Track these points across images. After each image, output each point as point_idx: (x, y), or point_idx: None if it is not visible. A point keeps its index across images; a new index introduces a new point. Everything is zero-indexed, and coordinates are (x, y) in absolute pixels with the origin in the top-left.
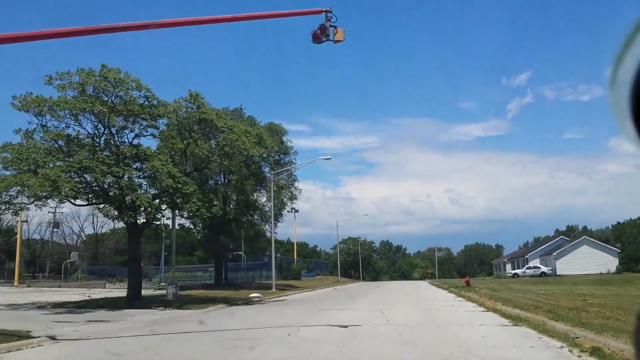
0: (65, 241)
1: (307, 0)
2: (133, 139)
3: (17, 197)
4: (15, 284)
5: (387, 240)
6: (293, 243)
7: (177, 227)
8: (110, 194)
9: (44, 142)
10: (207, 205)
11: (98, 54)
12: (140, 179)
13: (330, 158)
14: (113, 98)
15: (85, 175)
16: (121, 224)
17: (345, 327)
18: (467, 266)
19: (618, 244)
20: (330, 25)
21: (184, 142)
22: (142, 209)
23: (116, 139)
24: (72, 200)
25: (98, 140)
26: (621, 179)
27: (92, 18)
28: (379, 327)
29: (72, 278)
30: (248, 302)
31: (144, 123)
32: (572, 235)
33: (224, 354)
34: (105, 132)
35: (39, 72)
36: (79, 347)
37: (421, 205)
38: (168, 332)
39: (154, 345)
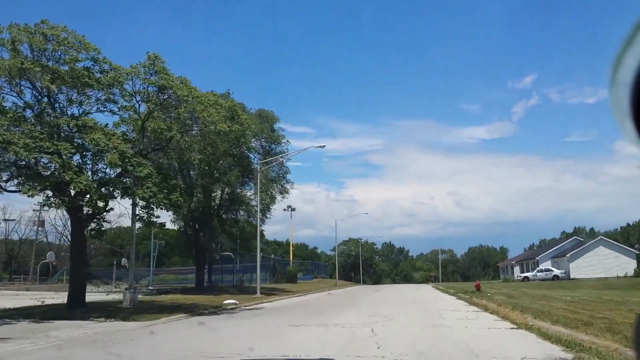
0: (47, 240)
1: None
2: (84, 114)
3: None
4: None
5: (390, 242)
6: (292, 244)
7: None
8: (44, 175)
9: None
10: (166, 192)
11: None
12: (82, 157)
13: (324, 146)
14: (55, 62)
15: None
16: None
17: None
18: (470, 269)
19: (636, 245)
20: None
21: (140, 114)
22: (86, 195)
23: (58, 112)
24: None
25: (33, 111)
26: (626, 181)
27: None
28: None
29: (52, 280)
30: (217, 310)
31: (101, 96)
32: (579, 236)
33: None
34: (44, 103)
35: None
36: None
37: (424, 207)
38: None
39: None
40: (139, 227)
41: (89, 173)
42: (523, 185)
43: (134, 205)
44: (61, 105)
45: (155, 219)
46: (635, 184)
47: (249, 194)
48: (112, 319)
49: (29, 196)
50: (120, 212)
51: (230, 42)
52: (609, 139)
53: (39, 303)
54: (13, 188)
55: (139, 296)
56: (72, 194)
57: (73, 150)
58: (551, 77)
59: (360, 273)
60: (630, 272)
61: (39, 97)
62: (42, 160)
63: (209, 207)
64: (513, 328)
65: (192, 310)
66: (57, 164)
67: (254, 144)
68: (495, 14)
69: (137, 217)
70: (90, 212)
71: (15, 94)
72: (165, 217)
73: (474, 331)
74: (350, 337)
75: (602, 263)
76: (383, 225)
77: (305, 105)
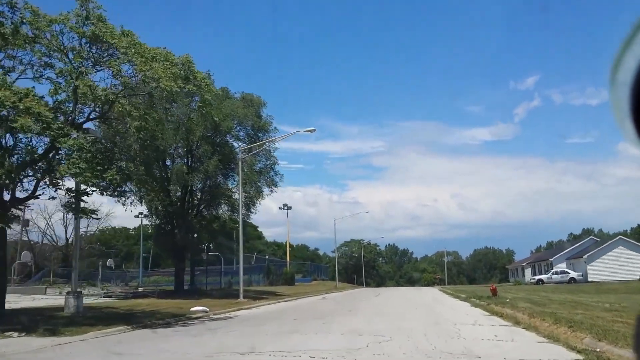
0: (29, 239)
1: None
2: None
3: None
4: None
5: (393, 244)
6: (293, 245)
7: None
8: None
9: None
10: (99, 170)
11: None
12: None
13: (314, 130)
14: None
15: None
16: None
17: None
18: (476, 271)
19: None
20: None
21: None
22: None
23: None
24: None
25: None
26: (630, 182)
27: None
28: None
29: (31, 281)
30: (174, 320)
31: (34, 60)
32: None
33: None
34: None
35: None
36: None
37: (428, 209)
38: None
39: None
40: (133, 228)
41: None
42: (526, 187)
43: (77, 192)
44: None
45: (86, 204)
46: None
47: (231, 186)
48: (28, 333)
49: None
50: (109, 210)
51: (230, 42)
52: (613, 140)
53: None
54: None
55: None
56: None
57: None
58: (553, 78)
59: (362, 275)
60: None
61: None
62: None
63: (185, 201)
64: None
65: (143, 320)
66: None
67: (237, 131)
68: (497, 14)
69: (67, 203)
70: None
71: None
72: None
73: None
74: None
75: (622, 264)
76: (386, 227)
77: (307, 107)
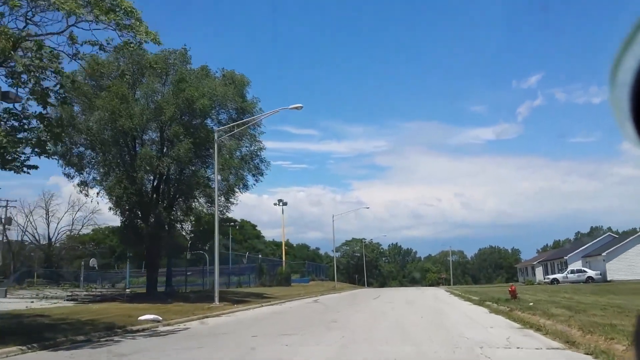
0: (7, 238)
1: None
2: None
3: None
4: None
5: (396, 243)
6: (292, 244)
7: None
8: None
9: None
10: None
11: None
12: None
13: (301, 107)
14: None
15: None
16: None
17: None
18: (481, 271)
19: None
20: None
21: None
22: None
23: None
24: None
25: None
26: (635, 181)
27: None
28: None
29: (7, 282)
30: (107, 335)
31: None
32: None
33: None
34: None
35: None
36: None
37: (431, 209)
38: None
39: None
40: None
41: None
42: (529, 187)
43: None
44: None
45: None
46: None
47: (210, 174)
48: None
49: None
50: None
51: (231, 42)
52: (617, 139)
53: None
54: None
55: (68, 304)
56: None
57: None
58: (556, 77)
59: (364, 275)
60: None
61: None
62: None
63: (158, 191)
64: None
65: (58, 335)
66: None
67: (217, 113)
68: (498, 13)
69: None
70: None
71: None
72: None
73: None
74: None
75: None
76: (389, 227)
77: (309, 107)
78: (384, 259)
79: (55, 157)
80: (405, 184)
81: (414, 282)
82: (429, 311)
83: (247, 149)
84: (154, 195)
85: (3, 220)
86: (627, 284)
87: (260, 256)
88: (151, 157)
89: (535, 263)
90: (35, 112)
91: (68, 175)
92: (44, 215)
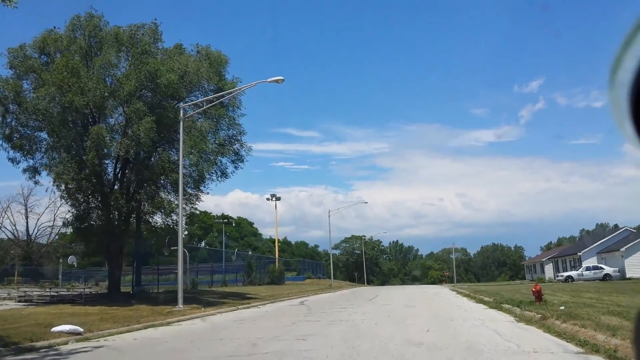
0: None
1: None
2: None
3: None
4: None
5: (397, 241)
6: (291, 241)
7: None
8: None
9: None
10: None
11: None
12: None
13: (282, 80)
14: None
15: None
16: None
17: None
18: (484, 268)
19: None
20: None
21: None
22: None
23: None
24: None
25: None
26: (635, 182)
27: None
28: None
29: None
30: None
31: None
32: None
33: None
34: None
35: None
36: None
37: (433, 209)
38: None
39: None
40: None
41: None
42: (531, 188)
43: None
44: None
45: None
46: None
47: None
48: None
49: None
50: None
51: (231, 43)
52: (618, 141)
53: None
54: None
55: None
56: None
57: None
58: (558, 80)
59: (364, 273)
60: None
61: None
62: None
63: (117, 178)
64: None
65: None
66: None
67: (189, 93)
68: (499, 16)
69: None
70: None
71: None
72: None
73: None
74: None
75: None
76: (391, 226)
77: (311, 109)
78: (384, 256)
79: None
80: (407, 185)
81: (415, 280)
82: (436, 320)
83: (225, 133)
84: (117, 184)
85: None
86: None
87: (250, 253)
88: (103, 137)
89: (544, 260)
90: None
91: (13, 160)
92: (23, 211)
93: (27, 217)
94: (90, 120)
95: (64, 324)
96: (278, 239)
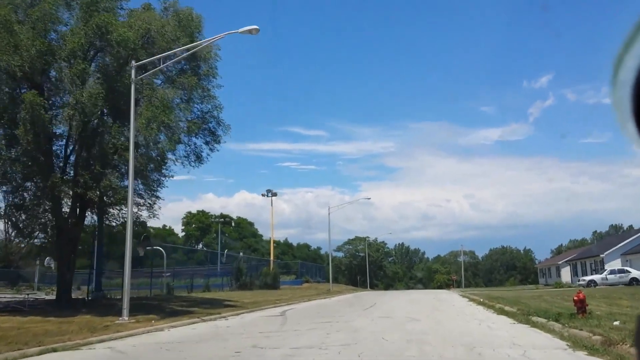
0: None
1: None
2: None
3: None
4: None
5: (402, 243)
6: (292, 243)
7: None
8: None
9: None
10: None
11: None
12: None
13: (256, 29)
14: None
15: None
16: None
17: None
18: (492, 272)
19: None
20: None
21: None
22: None
23: None
24: None
25: None
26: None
27: None
28: None
29: None
30: None
31: None
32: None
33: None
34: None
35: None
36: None
37: (440, 210)
38: None
39: None
40: None
41: None
42: (539, 188)
43: None
44: None
45: None
46: None
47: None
48: None
49: None
50: None
51: (233, 41)
52: (627, 140)
53: None
54: None
55: None
56: None
57: None
58: (568, 76)
59: (367, 276)
60: None
61: None
62: None
63: (52, 156)
64: None
65: None
66: None
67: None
68: (506, 13)
69: None
70: None
71: None
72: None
73: None
74: None
75: None
76: (398, 228)
77: (317, 108)
78: (389, 259)
79: None
80: (414, 185)
81: (420, 284)
82: (452, 350)
83: (198, 107)
84: (61, 166)
85: None
86: None
87: (241, 254)
88: (39, 106)
89: (560, 263)
90: None
91: None
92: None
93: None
94: (26, 86)
95: None
96: (278, 241)
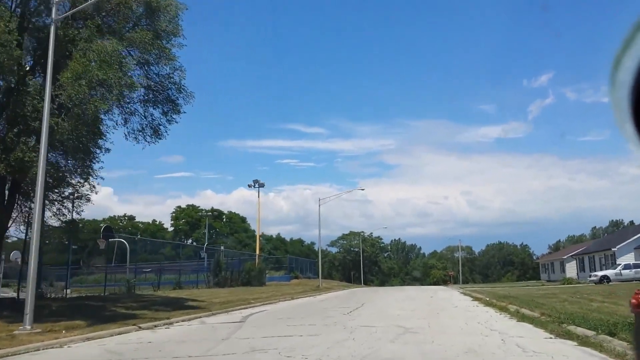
0: None
1: None
2: None
3: None
4: None
5: (399, 239)
6: (285, 239)
7: None
8: None
9: None
10: None
11: None
12: None
13: None
14: None
15: None
16: None
17: None
18: (489, 267)
19: None
20: None
21: None
22: None
23: None
24: None
25: None
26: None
27: None
28: None
29: None
30: None
31: None
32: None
33: None
34: None
35: None
36: None
37: (438, 207)
38: None
39: None
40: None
41: None
42: (538, 185)
43: None
44: None
45: None
46: None
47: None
48: None
49: None
50: None
51: (235, 40)
52: (624, 139)
53: None
54: None
55: None
56: None
57: None
58: (566, 75)
59: (361, 272)
60: None
61: None
62: None
63: None
64: None
65: None
66: None
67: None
68: (507, 11)
69: None
70: None
71: None
72: None
73: None
74: None
75: None
76: (396, 224)
77: (318, 105)
78: (385, 254)
79: None
80: (412, 182)
81: (416, 280)
82: None
83: (155, 70)
84: None
85: None
86: None
87: (222, 248)
88: None
89: (565, 257)
90: None
91: None
92: None
93: None
94: None
95: None
96: (270, 236)
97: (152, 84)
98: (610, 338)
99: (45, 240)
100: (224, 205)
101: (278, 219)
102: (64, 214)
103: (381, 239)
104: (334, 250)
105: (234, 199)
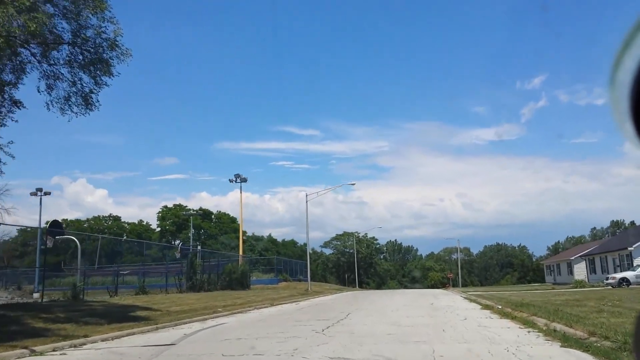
0: None
1: None
2: None
3: None
4: None
5: (395, 240)
6: (276, 240)
7: None
8: None
9: None
10: None
11: None
12: None
13: None
14: None
15: None
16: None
17: None
18: (488, 269)
19: None
20: None
21: None
22: None
23: None
24: None
25: None
26: (635, 182)
27: None
28: None
29: None
30: None
31: None
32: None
33: None
34: None
35: None
36: None
37: (433, 209)
38: None
39: None
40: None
41: None
42: (532, 187)
43: None
44: None
45: None
46: None
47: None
48: None
49: None
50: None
51: (230, 41)
52: (619, 140)
53: None
54: None
55: None
56: None
57: None
58: (560, 78)
59: (355, 274)
60: None
61: None
62: None
63: None
64: None
65: None
66: None
67: None
68: (500, 14)
69: None
70: None
71: None
72: None
73: None
74: None
75: None
76: (391, 227)
77: (311, 107)
78: (381, 256)
79: None
80: (407, 184)
81: (414, 282)
82: None
83: (83, 23)
84: None
85: None
86: None
87: (199, 248)
88: None
89: (573, 258)
90: None
91: None
92: None
93: None
94: None
95: None
96: (261, 237)
97: (80, 41)
98: None
99: None
100: (220, 207)
101: (273, 221)
102: None
103: (376, 240)
104: (327, 251)
105: (229, 201)
